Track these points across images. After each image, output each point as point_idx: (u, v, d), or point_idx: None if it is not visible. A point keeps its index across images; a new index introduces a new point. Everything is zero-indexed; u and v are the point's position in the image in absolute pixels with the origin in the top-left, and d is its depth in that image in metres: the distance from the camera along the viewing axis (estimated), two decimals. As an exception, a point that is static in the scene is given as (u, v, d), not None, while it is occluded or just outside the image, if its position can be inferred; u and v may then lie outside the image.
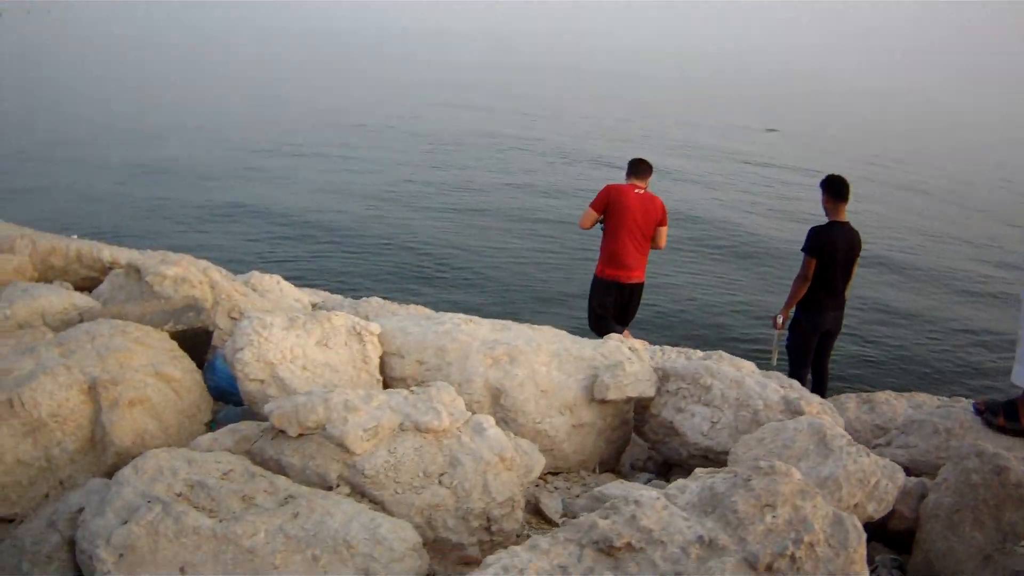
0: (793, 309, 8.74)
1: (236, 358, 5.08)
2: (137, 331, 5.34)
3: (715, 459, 5.54)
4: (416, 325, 6.03)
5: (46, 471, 4.65)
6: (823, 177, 8.66)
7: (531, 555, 3.51)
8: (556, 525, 4.93)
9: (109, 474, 4.59)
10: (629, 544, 3.43)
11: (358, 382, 5.44)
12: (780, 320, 8.78)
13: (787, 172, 33.02)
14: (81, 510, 4.13)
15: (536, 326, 6.56)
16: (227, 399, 5.71)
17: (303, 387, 5.06)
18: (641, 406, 6.20)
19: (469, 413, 4.84)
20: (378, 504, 4.35)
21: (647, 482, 5.60)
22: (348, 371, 5.45)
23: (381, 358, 5.77)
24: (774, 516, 3.49)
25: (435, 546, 4.36)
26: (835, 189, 8.41)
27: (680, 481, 3.96)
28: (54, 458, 4.66)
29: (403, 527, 4.13)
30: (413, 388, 4.88)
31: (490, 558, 3.55)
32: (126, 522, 3.79)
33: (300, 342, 5.32)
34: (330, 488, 4.35)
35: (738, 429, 5.58)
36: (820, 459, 4.79)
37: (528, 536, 4.69)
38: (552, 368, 5.83)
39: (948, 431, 6.06)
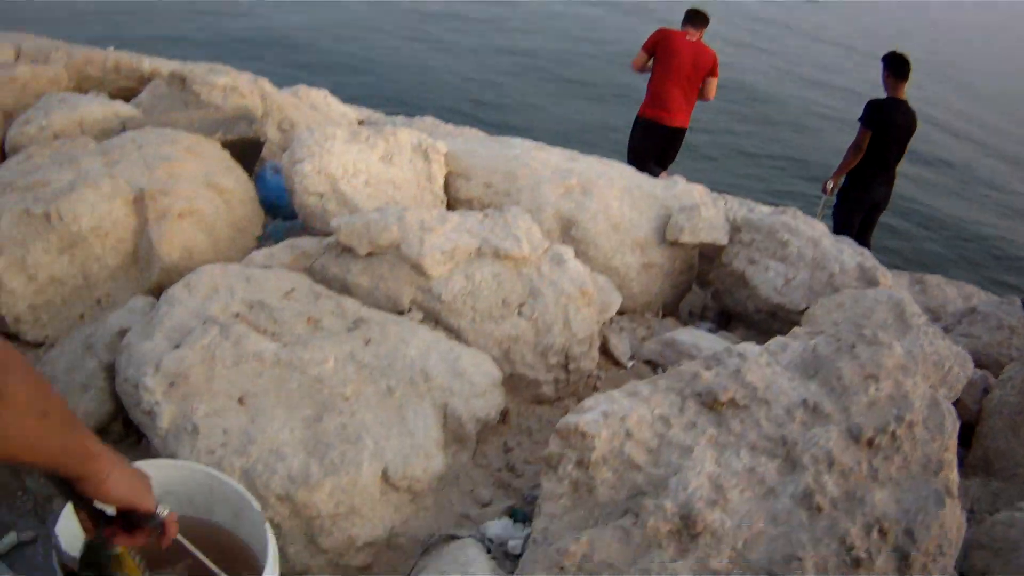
0: (843, 178, 8.72)
1: (295, 170, 4.57)
2: (188, 140, 4.83)
3: (784, 317, 5.22)
4: (484, 147, 5.52)
5: (82, 290, 4.21)
6: (885, 53, 8.51)
7: (631, 402, 3.11)
8: (624, 367, 4.61)
9: (153, 292, 4.16)
10: (733, 400, 3.05)
11: (421, 201, 4.96)
12: (830, 186, 8.81)
13: (825, 45, 31.87)
14: (123, 333, 3.67)
15: (604, 159, 6.07)
16: (275, 213, 5.27)
17: (365, 203, 4.58)
18: (705, 254, 5.85)
19: (547, 242, 4.37)
20: (454, 333, 3.92)
21: (709, 331, 5.32)
22: (412, 190, 4.96)
23: (446, 178, 5.27)
24: (877, 389, 3.10)
25: (510, 382, 3.94)
26: (897, 66, 8.31)
27: (779, 339, 3.52)
28: (91, 275, 4.21)
29: (484, 360, 3.69)
30: (487, 212, 4.38)
31: (588, 401, 3.15)
32: (178, 346, 3.33)
33: (363, 157, 4.80)
34: (401, 313, 3.89)
35: (812, 290, 5.22)
36: (898, 335, 4.43)
37: (599, 377, 4.42)
38: (624, 204, 5.38)
39: (1011, 328, 5.81)
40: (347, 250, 3.97)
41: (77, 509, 1.78)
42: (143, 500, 1.75)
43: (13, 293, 4.02)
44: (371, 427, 3.21)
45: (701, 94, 9.07)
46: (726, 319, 5.86)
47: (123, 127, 5.31)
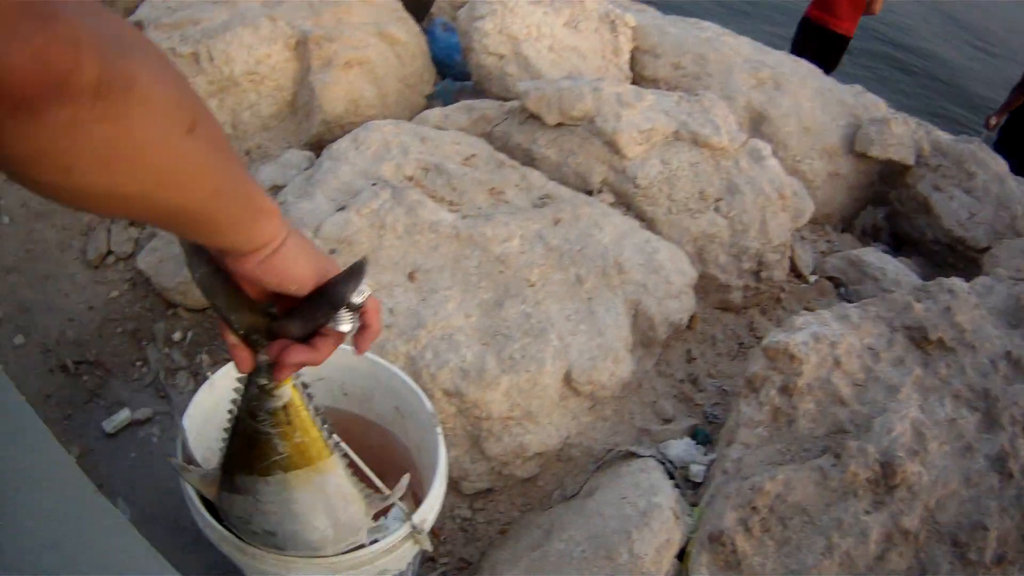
0: (1006, 116, 8.28)
1: (474, 27, 4.08)
2: (358, -16, 4.34)
3: (962, 252, 4.80)
4: (673, 26, 4.96)
5: (230, 140, 3.70)
6: None
7: (842, 326, 2.84)
8: (807, 281, 4.17)
9: (311, 146, 3.74)
10: (942, 340, 2.79)
11: (606, 75, 4.43)
12: (993, 121, 8.36)
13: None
14: (276, 189, 3.26)
15: (791, 56, 5.50)
16: (443, 73, 4.83)
17: (547, 70, 4.09)
18: (884, 172, 5.28)
19: (744, 135, 3.84)
20: (646, 222, 3.43)
21: (884, 253, 4.83)
22: (596, 60, 4.44)
23: (631, 54, 4.75)
24: None
25: (699, 283, 3.44)
26: None
27: (984, 279, 3.28)
28: (242, 124, 3.81)
29: (681, 256, 3.20)
30: (680, 94, 3.85)
31: (798, 320, 2.88)
32: (342, 208, 2.89)
33: (547, 20, 4.27)
34: (590, 193, 3.40)
35: (995, 229, 4.78)
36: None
37: (783, 289, 4.01)
38: (816, 105, 4.89)
39: None
40: (533, 118, 3.49)
41: (225, 325, 1.19)
42: (331, 272, 1.16)
43: (153, 139, 3.58)
44: (556, 320, 2.74)
45: (868, 7, 8.42)
46: (898, 243, 5.41)
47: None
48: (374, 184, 2.94)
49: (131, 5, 4.69)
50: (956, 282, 3.08)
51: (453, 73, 4.73)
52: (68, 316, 3.42)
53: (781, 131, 4.62)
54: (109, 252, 3.67)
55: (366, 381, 2.31)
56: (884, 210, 5.44)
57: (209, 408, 2.11)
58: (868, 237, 5.47)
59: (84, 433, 2.96)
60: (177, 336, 3.29)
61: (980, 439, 2.51)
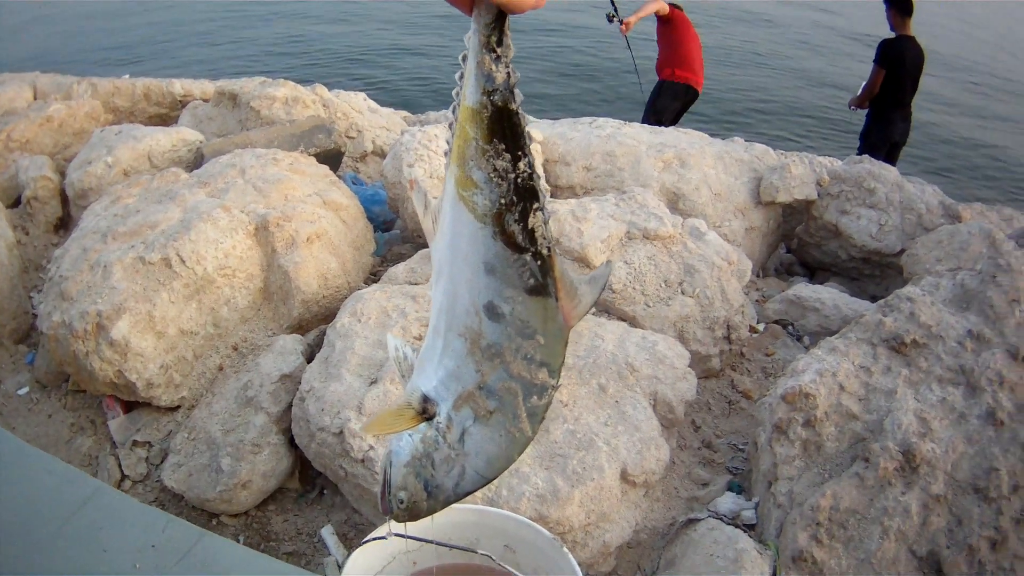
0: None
1: (404, 177, 4.51)
2: (287, 157, 4.67)
3: (878, 261, 5.48)
4: (574, 130, 5.48)
5: (214, 338, 3.96)
6: None
7: (835, 357, 3.49)
8: (757, 331, 4.70)
9: (293, 329, 4.05)
10: (915, 340, 3.49)
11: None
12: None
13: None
14: (286, 379, 3.59)
15: (680, 129, 6.13)
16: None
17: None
18: (786, 214, 5.90)
19: (680, 217, 4.37)
20: (628, 321, 3.93)
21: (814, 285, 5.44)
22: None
23: (543, 167, 5.23)
24: (1021, 311, 3.56)
25: (687, 359, 3.94)
26: (901, 4, 8.59)
27: (929, 279, 3.96)
28: (223, 321, 3.96)
29: (674, 343, 3.71)
30: (612, 195, 4.38)
31: (800, 362, 3.53)
32: (375, 382, 3.28)
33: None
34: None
35: (904, 232, 5.46)
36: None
37: (743, 343, 4.54)
38: (720, 171, 5.47)
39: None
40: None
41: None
42: None
43: (142, 355, 3.69)
44: (597, 429, 3.20)
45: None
46: (811, 271, 6.10)
47: (200, 153, 5.16)
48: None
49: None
50: (910, 290, 3.77)
51: (376, 225, 5.01)
52: (101, 546, 3.59)
53: (697, 204, 5.16)
54: (124, 477, 3.77)
55: (472, 532, 2.52)
56: (789, 245, 6.12)
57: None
58: (784, 275, 6.07)
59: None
60: (230, 544, 3.53)
61: (969, 405, 3.21)
